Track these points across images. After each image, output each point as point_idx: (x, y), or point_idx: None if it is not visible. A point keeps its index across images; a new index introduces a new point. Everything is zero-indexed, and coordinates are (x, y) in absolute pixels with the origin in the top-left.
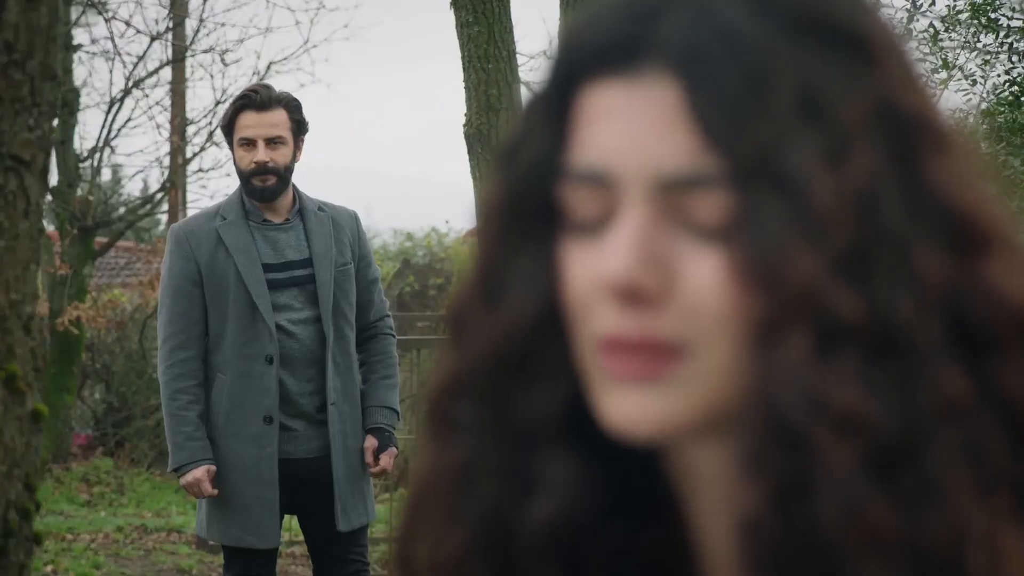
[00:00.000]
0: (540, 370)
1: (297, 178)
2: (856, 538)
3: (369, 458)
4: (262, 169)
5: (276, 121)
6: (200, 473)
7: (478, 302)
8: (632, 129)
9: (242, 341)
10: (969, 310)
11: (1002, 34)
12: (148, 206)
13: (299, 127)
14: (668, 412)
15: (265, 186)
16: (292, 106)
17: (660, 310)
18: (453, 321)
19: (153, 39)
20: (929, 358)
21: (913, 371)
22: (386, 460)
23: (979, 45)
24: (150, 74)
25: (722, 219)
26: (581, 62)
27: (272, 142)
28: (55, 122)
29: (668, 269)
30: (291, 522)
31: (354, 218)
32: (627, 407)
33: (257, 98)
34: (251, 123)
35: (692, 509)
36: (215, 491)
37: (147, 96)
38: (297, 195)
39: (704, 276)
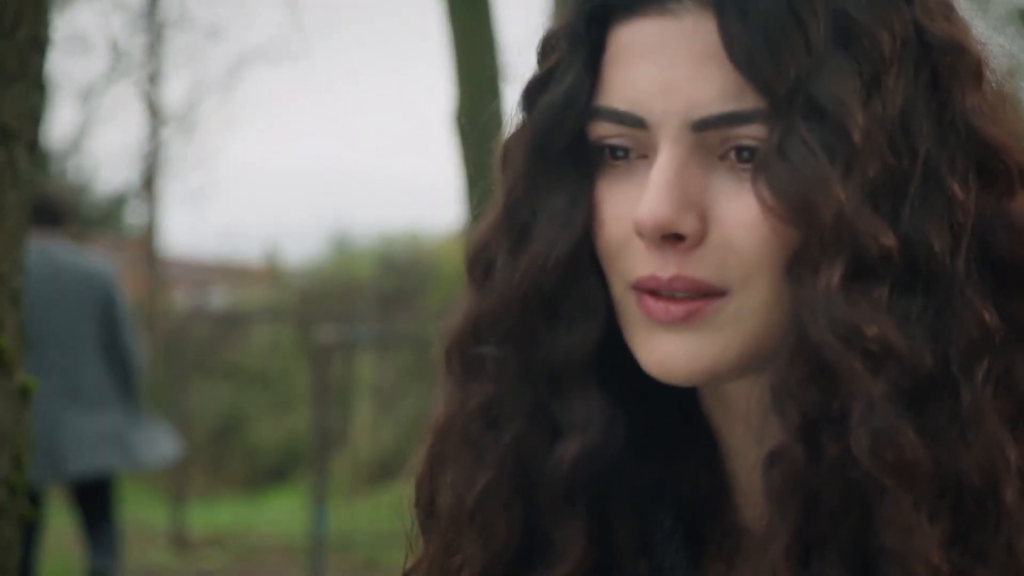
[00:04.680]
0: (570, 310)
1: (275, 181)
2: (887, 467)
3: None
4: None
5: None
6: None
7: (504, 243)
8: (667, 70)
9: None
10: (996, 244)
11: None
12: (119, 203)
13: None
14: (704, 354)
15: None
16: None
17: (695, 251)
18: (474, 263)
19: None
20: (960, 291)
21: (944, 304)
22: None
23: None
24: (120, 65)
25: (758, 153)
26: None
27: None
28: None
29: (703, 210)
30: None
31: None
32: (663, 350)
33: None
34: None
35: (724, 444)
36: None
37: (122, 86)
38: None
39: (740, 214)
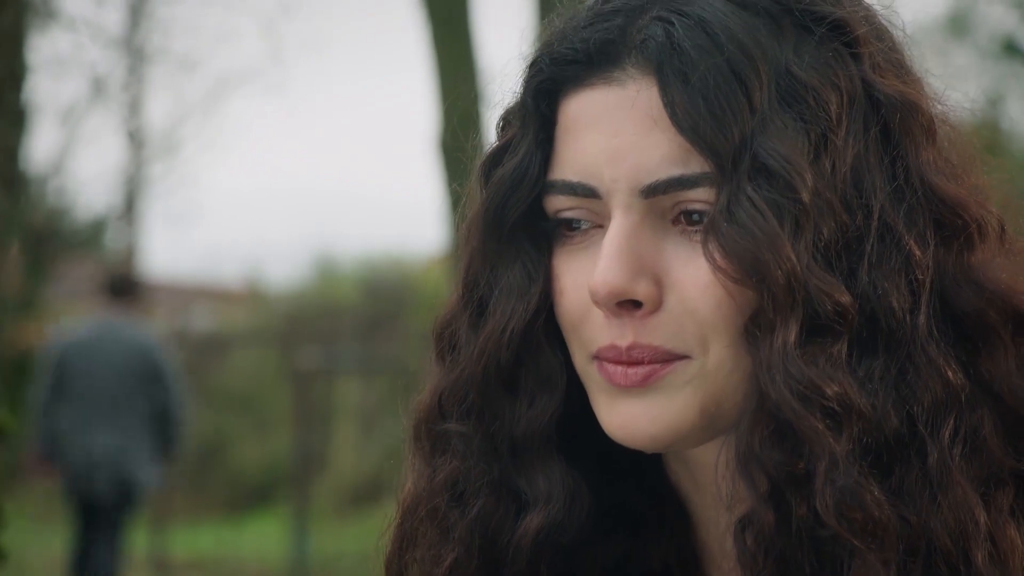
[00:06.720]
0: (529, 383)
1: (255, 201)
2: (854, 527)
3: None
4: None
5: None
6: None
7: (465, 319)
8: (613, 138)
9: None
10: (958, 300)
11: None
12: (100, 225)
13: None
14: (666, 417)
15: None
16: None
17: (653, 317)
18: (439, 339)
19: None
20: (922, 349)
21: (907, 362)
22: None
23: None
24: (101, 90)
25: (708, 215)
26: (560, 72)
27: None
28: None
29: (658, 275)
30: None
31: None
32: (625, 414)
33: None
34: None
35: (693, 514)
36: None
37: (103, 109)
38: None
39: (694, 277)
